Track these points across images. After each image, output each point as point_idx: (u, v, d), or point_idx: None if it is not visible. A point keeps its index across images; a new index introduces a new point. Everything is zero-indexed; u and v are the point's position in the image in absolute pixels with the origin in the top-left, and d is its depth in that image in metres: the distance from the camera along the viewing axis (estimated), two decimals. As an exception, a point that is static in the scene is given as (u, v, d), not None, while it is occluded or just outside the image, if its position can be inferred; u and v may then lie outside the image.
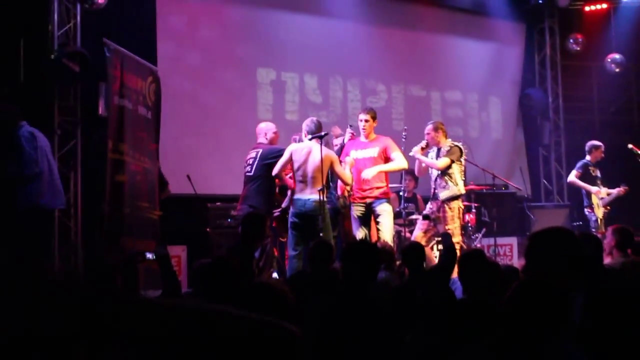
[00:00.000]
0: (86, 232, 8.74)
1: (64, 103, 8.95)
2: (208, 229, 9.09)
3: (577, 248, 3.57)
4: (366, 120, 8.63)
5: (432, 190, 8.83)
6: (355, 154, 8.42)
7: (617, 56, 13.07)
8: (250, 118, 10.86)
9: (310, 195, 7.75)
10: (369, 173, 8.25)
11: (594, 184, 10.54)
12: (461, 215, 8.81)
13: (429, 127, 8.88)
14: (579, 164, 10.71)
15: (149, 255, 7.02)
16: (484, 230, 10.36)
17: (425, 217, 8.50)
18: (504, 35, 13.62)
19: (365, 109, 8.98)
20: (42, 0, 8.59)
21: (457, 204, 8.70)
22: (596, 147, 10.70)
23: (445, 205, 8.64)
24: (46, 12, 8.72)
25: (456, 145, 8.86)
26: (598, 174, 10.59)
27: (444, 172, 8.68)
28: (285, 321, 1.46)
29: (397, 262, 6.71)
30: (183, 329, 1.32)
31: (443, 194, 8.67)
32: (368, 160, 8.37)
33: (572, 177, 10.68)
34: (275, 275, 7.73)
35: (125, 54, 8.04)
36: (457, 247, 8.35)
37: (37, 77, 8.36)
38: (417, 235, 8.63)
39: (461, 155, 8.84)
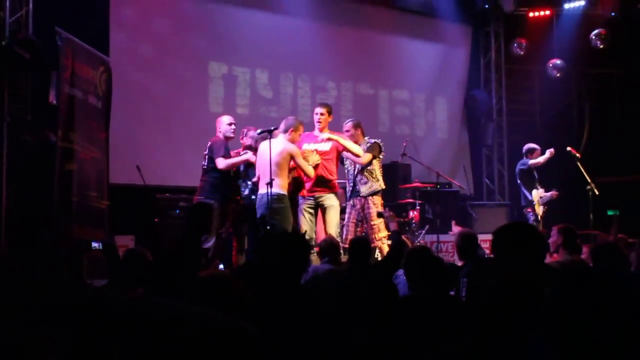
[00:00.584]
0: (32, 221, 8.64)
1: (14, 90, 8.83)
2: (156, 220, 9.07)
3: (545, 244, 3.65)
4: (322, 114, 8.64)
5: (351, 186, 8.80)
6: (307, 147, 8.43)
7: (558, 61, 13.22)
8: (201, 111, 10.88)
9: (261, 190, 7.77)
10: (325, 135, 8.39)
11: (533, 185, 10.71)
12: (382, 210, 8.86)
13: (348, 124, 8.84)
14: (525, 165, 10.89)
15: (95, 245, 6.98)
16: (427, 227, 10.43)
17: (380, 215, 8.43)
18: (451, 38, 13.70)
19: (321, 103, 9.02)
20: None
21: (380, 199, 8.76)
22: (533, 150, 10.90)
23: (369, 201, 8.69)
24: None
25: (375, 142, 8.91)
26: (536, 175, 10.79)
27: (365, 167, 8.69)
28: (237, 315, 1.47)
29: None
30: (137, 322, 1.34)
31: (365, 190, 8.70)
32: (320, 155, 8.40)
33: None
34: (221, 266, 7.72)
35: (77, 43, 7.99)
36: (383, 242, 8.46)
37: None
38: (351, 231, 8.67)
39: (380, 152, 8.89)
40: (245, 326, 1.48)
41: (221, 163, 7.92)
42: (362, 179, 8.70)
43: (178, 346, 1.37)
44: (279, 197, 7.70)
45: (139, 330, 1.35)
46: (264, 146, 7.90)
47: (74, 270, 5.17)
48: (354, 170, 8.74)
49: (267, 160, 7.64)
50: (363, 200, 8.67)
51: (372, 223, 8.58)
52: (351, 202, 8.72)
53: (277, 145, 7.74)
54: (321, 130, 8.59)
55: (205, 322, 1.42)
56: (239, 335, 1.45)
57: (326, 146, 8.37)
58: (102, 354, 1.32)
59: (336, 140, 8.46)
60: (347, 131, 8.74)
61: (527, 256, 3.51)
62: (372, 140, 8.88)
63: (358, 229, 8.66)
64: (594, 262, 4.63)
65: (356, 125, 8.83)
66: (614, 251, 4.52)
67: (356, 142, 8.68)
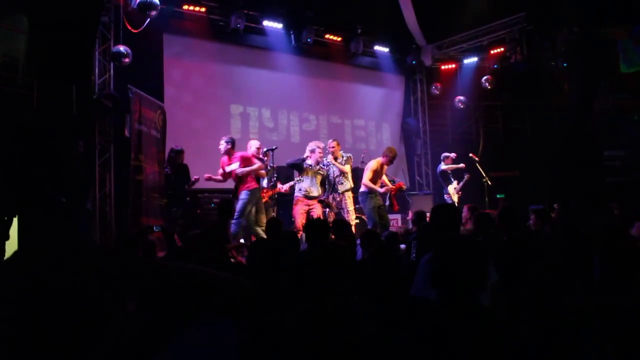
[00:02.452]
0: (117, 214, 8.71)
1: (102, 128, 8.90)
2: (198, 211, 9.13)
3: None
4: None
5: (332, 186, 8.80)
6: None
7: (462, 97, 13.36)
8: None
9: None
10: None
11: (449, 181, 10.84)
12: (352, 202, 8.93)
13: (333, 143, 8.88)
14: (441, 168, 11.02)
15: (156, 229, 7.04)
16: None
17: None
18: (391, 84, 13.76)
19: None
20: (87, 59, 8.54)
21: (351, 195, 8.85)
22: (447, 157, 11.04)
23: (345, 195, 8.79)
24: (90, 67, 8.67)
25: (349, 156, 9.04)
26: (450, 173, 10.90)
27: (343, 173, 8.82)
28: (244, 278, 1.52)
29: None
30: (178, 282, 1.29)
31: (341, 188, 8.81)
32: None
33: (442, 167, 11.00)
34: (242, 240, 7.76)
35: (142, 94, 8.07)
36: (354, 223, 8.53)
37: (84, 111, 8.30)
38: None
39: (350, 162, 9.06)
40: (246, 283, 1.43)
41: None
42: (340, 180, 8.79)
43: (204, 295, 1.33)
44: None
45: (181, 287, 1.30)
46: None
47: (147, 247, 5.22)
48: (334, 175, 8.83)
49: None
50: (341, 195, 8.77)
51: (347, 209, 8.70)
52: (331, 197, 8.78)
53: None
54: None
55: (217, 279, 1.38)
56: (242, 288, 1.42)
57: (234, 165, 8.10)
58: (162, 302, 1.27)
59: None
60: (333, 147, 8.78)
61: (449, 224, 3.56)
62: (347, 155, 9.00)
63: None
64: (476, 227, 4.65)
65: (338, 144, 8.94)
66: (490, 219, 4.59)
67: (336, 155, 8.74)
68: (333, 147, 8.79)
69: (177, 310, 1.29)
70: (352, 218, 8.60)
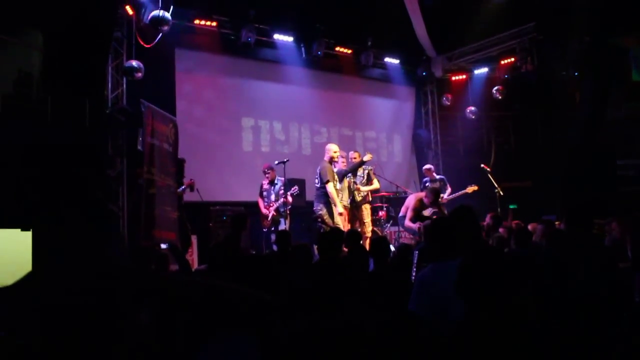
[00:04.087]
0: (130, 227, 8.74)
1: (115, 142, 8.96)
2: (211, 224, 9.12)
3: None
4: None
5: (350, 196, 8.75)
6: None
7: (473, 108, 13.26)
8: (238, 150, 10.96)
9: None
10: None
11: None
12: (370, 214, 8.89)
13: (354, 154, 8.91)
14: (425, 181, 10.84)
15: (164, 246, 7.01)
16: (391, 221, 10.46)
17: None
18: (402, 95, 13.77)
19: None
20: (101, 74, 8.62)
21: (368, 206, 8.83)
22: (428, 169, 10.85)
23: (362, 208, 8.77)
24: (103, 82, 8.75)
25: (370, 169, 9.03)
26: (437, 184, 10.43)
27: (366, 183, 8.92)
28: (265, 290, 1.49)
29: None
30: (200, 297, 1.31)
31: (360, 199, 8.78)
32: None
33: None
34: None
35: (155, 108, 8.06)
36: (369, 235, 8.45)
37: (97, 125, 8.37)
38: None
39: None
40: (268, 297, 1.44)
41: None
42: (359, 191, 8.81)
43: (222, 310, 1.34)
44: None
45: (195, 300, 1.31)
46: None
47: (162, 261, 5.22)
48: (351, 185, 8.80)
49: None
50: (359, 206, 8.74)
51: (364, 221, 8.66)
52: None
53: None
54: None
55: (239, 293, 1.38)
56: (262, 303, 1.41)
57: None
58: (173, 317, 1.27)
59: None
60: (354, 158, 8.85)
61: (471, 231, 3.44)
62: (368, 168, 9.00)
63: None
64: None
65: (359, 155, 8.95)
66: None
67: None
68: (355, 159, 8.81)
69: (200, 326, 1.29)
70: (367, 230, 8.55)
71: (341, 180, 8.29)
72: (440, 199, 8.89)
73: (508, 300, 1.92)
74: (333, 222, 7.76)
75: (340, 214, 7.76)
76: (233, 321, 1.34)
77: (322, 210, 7.88)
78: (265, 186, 8.99)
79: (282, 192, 8.78)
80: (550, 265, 3.14)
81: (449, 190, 10.40)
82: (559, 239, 3.77)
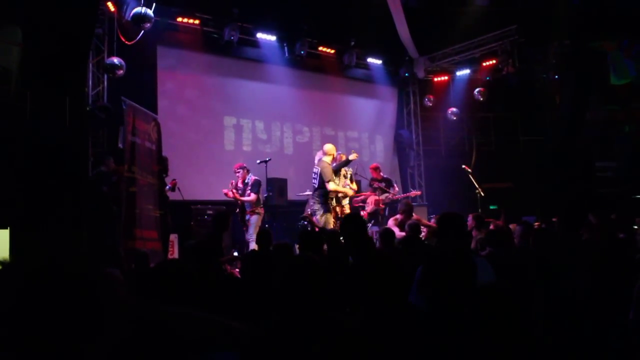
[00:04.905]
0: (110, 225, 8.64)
1: (95, 139, 8.89)
2: (192, 223, 9.08)
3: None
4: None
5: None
6: None
7: (454, 109, 13.36)
8: (219, 149, 10.91)
9: None
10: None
11: (383, 190, 10.55)
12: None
13: (341, 156, 9.01)
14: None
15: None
16: (372, 221, 10.41)
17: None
18: (384, 96, 13.78)
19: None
20: (81, 71, 8.53)
21: (348, 205, 8.94)
22: (374, 168, 10.88)
23: (345, 206, 8.78)
24: (84, 79, 8.66)
25: (352, 173, 9.24)
26: (383, 184, 10.58)
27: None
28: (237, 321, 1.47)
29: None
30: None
31: (344, 200, 8.82)
32: None
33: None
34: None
35: (136, 106, 8.01)
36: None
37: (78, 122, 8.28)
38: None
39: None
40: (239, 328, 1.45)
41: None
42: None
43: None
44: None
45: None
46: None
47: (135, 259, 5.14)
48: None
49: None
50: (341, 206, 8.79)
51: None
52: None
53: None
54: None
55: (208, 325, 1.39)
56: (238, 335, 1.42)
57: None
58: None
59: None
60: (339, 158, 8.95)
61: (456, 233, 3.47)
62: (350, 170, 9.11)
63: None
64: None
65: (343, 155, 9.08)
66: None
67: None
68: (340, 155, 8.89)
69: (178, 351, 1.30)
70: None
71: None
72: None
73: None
74: (324, 223, 7.85)
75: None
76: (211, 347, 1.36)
77: (319, 210, 7.98)
78: (240, 185, 8.92)
79: (249, 189, 8.73)
80: (538, 266, 3.21)
81: (395, 189, 10.69)
82: (546, 240, 3.84)
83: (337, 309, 2.72)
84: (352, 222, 4.37)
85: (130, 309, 1.29)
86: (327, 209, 8.09)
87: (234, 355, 1.38)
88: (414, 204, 12.73)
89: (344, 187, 8.74)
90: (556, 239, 3.83)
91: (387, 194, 10.37)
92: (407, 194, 10.58)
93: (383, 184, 10.53)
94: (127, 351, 1.19)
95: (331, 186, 8.22)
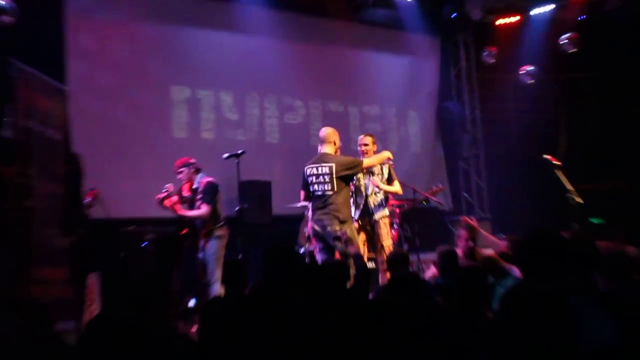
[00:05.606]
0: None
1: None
2: (122, 254, 8.92)
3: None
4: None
5: (361, 208, 8.69)
6: None
7: (530, 68, 13.27)
8: (165, 137, 10.82)
9: None
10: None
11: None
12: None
13: (366, 139, 8.81)
14: None
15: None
16: (406, 246, 10.27)
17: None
18: (419, 50, 13.81)
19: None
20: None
21: (387, 220, 8.77)
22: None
23: (381, 222, 8.66)
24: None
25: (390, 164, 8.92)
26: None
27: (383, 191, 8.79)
28: None
29: None
30: None
31: (380, 213, 8.66)
32: None
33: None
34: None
35: (32, 73, 7.86)
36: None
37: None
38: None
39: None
40: None
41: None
42: (377, 200, 8.75)
43: None
44: None
45: None
46: None
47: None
48: (365, 192, 8.78)
49: None
50: (374, 221, 8.66)
51: (385, 244, 8.58)
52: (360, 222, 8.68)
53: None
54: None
55: None
56: None
57: None
58: None
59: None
60: (365, 144, 8.80)
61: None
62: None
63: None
64: None
65: (373, 141, 8.95)
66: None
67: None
68: (366, 145, 8.69)
69: None
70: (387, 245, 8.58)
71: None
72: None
73: None
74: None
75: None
76: None
77: (348, 227, 7.79)
78: (186, 193, 8.73)
79: (199, 198, 8.51)
80: None
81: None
82: None
83: None
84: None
85: None
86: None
87: None
88: (459, 216, 12.70)
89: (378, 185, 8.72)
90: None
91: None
92: (424, 193, 10.20)
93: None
94: None
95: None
